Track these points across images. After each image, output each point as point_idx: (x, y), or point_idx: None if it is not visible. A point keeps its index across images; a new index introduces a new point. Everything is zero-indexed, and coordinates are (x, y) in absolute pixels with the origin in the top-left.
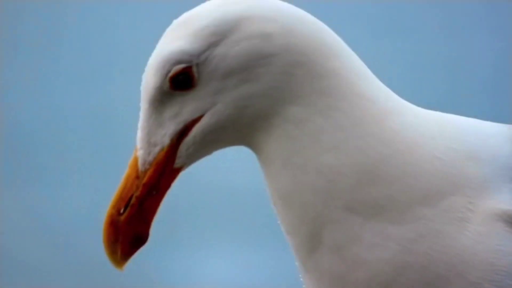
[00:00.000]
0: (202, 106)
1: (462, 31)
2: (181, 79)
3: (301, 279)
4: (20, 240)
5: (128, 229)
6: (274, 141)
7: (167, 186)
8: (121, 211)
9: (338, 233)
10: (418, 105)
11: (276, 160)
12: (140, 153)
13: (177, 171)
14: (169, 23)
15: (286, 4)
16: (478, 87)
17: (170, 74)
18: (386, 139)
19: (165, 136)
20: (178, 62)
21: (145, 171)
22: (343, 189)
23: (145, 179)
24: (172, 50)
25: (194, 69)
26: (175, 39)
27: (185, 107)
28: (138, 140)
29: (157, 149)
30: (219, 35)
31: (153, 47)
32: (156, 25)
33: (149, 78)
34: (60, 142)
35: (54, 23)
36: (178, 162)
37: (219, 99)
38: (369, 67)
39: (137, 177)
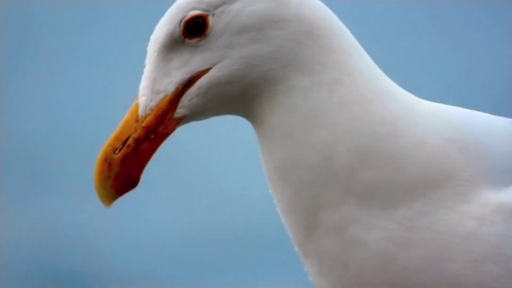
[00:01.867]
0: (212, 58)
1: (465, 33)
2: (194, 25)
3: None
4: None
5: (122, 168)
6: (276, 110)
7: (165, 133)
8: (117, 151)
9: (336, 215)
10: None
11: (276, 132)
12: (142, 99)
13: (176, 121)
14: None
15: None
16: (480, 88)
17: (186, 19)
18: (383, 119)
19: (170, 84)
20: (194, 8)
21: (145, 116)
22: (340, 170)
23: (144, 122)
24: None
25: (210, 19)
26: None
27: (194, 57)
28: (141, 88)
29: (160, 96)
30: None
31: None
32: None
33: (162, 26)
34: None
35: (63, 34)
36: (178, 112)
37: (229, 54)
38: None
39: (136, 120)
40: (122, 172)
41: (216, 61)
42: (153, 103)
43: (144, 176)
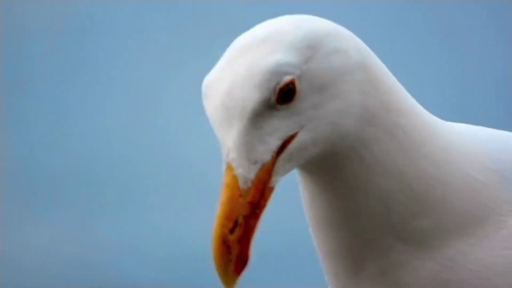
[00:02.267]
0: (299, 121)
1: (463, 33)
2: (286, 91)
3: None
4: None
5: (240, 249)
6: (345, 163)
7: (265, 205)
8: (231, 231)
9: (384, 260)
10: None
11: (341, 182)
12: (239, 171)
13: (272, 190)
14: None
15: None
16: (480, 90)
17: (280, 86)
18: (437, 161)
19: (266, 152)
20: (286, 73)
21: (248, 190)
22: (397, 218)
23: (249, 198)
24: (277, 62)
25: (297, 82)
26: (271, 53)
27: (283, 122)
28: (232, 159)
29: (257, 166)
30: (312, 49)
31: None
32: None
33: (247, 93)
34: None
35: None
36: (273, 180)
37: (314, 115)
38: None
39: (240, 195)
40: (240, 254)
41: (303, 124)
42: (251, 175)
43: (146, 187)
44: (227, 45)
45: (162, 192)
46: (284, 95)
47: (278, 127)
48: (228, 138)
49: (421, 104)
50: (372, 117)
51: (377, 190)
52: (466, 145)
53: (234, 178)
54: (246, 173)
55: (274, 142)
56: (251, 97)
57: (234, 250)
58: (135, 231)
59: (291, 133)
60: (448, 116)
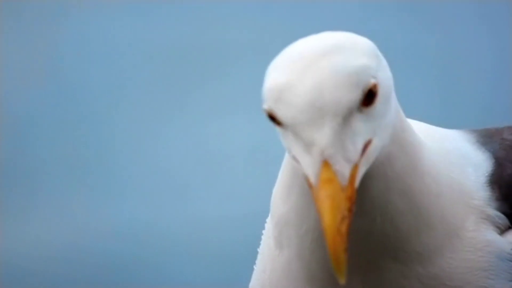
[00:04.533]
0: (374, 127)
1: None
2: (370, 95)
3: None
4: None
5: (347, 241)
6: (372, 181)
7: (354, 204)
8: (340, 223)
9: (371, 276)
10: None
11: (360, 202)
12: (337, 167)
13: (357, 190)
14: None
15: None
16: (475, 86)
17: (367, 88)
18: (433, 176)
19: (356, 152)
20: (372, 76)
21: (345, 186)
22: (402, 238)
23: (348, 193)
24: (364, 65)
25: (378, 86)
26: (356, 57)
27: (365, 125)
28: (329, 156)
29: (351, 165)
30: (378, 59)
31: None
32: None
33: (340, 93)
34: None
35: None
36: (357, 182)
37: (383, 123)
38: None
39: (342, 190)
40: (346, 246)
41: (377, 130)
42: (347, 173)
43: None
44: None
45: (167, 188)
46: (368, 97)
47: (363, 129)
48: (321, 136)
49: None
50: (394, 133)
51: (393, 211)
52: (441, 149)
53: (335, 174)
54: (343, 170)
55: (360, 144)
56: (345, 96)
57: (344, 241)
58: (136, 229)
59: (369, 137)
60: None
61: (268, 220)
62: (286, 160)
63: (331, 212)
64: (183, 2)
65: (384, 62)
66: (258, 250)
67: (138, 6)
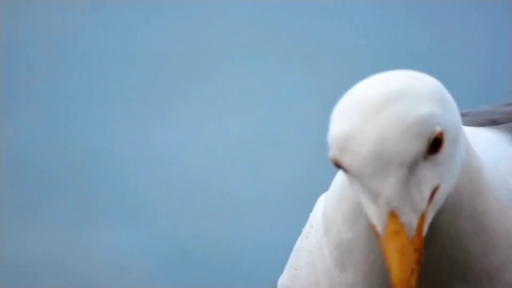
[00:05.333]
0: (441, 172)
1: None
2: (435, 142)
3: None
4: None
5: None
6: (442, 213)
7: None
8: (409, 277)
9: None
10: None
11: (429, 233)
12: (404, 219)
13: (424, 238)
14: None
15: None
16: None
17: (433, 136)
18: (493, 192)
19: (422, 201)
20: (437, 124)
21: (413, 238)
22: (470, 259)
23: (417, 244)
24: (429, 113)
25: (444, 133)
26: (420, 104)
27: (431, 173)
28: (396, 207)
29: (418, 215)
30: (443, 101)
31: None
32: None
33: (405, 143)
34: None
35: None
36: (425, 230)
37: (450, 168)
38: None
39: (411, 242)
40: None
41: (444, 175)
42: (414, 224)
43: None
44: None
45: (163, 199)
46: (434, 145)
47: (429, 177)
48: (387, 187)
49: None
50: (461, 165)
51: (462, 235)
52: (491, 156)
53: (402, 226)
54: (411, 220)
55: (427, 192)
56: (410, 146)
57: None
58: (136, 235)
59: (436, 183)
60: None
61: (319, 231)
62: (347, 184)
63: (400, 266)
64: (177, 3)
65: (450, 103)
66: (294, 248)
67: (131, 8)
